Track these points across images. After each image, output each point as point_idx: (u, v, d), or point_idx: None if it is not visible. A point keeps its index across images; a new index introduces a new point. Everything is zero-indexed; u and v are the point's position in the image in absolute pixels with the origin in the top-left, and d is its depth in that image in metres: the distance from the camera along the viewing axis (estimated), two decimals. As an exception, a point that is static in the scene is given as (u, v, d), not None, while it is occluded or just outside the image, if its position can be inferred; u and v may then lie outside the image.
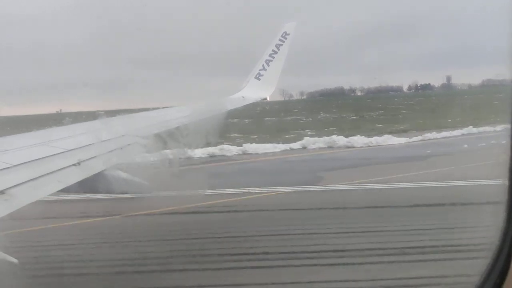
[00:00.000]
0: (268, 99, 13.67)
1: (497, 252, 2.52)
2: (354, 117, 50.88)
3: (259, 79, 13.05)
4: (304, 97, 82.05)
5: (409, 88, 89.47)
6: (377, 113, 56.43)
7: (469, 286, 2.78)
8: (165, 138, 8.18)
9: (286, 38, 13.31)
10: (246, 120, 45.76)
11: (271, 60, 13.15)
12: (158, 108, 11.14)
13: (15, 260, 4.09)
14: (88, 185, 6.31)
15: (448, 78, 77.50)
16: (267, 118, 51.82)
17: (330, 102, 71.50)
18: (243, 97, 12.47)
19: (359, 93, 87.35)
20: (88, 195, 11.27)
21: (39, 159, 5.40)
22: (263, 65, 13.15)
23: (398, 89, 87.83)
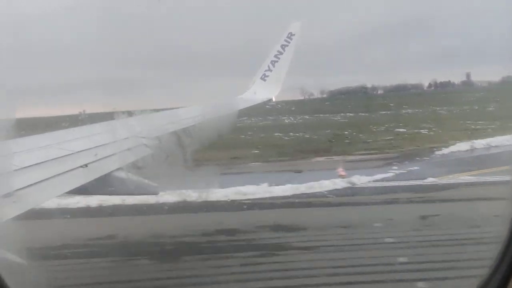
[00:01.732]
0: (274, 99, 13.68)
1: (503, 250, 2.50)
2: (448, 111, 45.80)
3: (264, 80, 13.07)
4: (325, 95, 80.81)
5: (429, 85, 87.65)
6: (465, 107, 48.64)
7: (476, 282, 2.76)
8: (180, 137, 8.25)
9: (291, 39, 13.30)
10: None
11: (277, 61, 13.16)
12: (169, 108, 11.24)
13: (23, 262, 4.12)
14: (97, 186, 6.33)
15: (468, 75, 76.16)
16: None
17: (371, 100, 66.89)
18: (254, 93, 12.56)
19: (380, 91, 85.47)
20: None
21: (48, 160, 5.43)
22: (268, 66, 13.17)
23: (417, 87, 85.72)
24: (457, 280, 7.62)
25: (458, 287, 7.46)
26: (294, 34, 13.36)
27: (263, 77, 13.09)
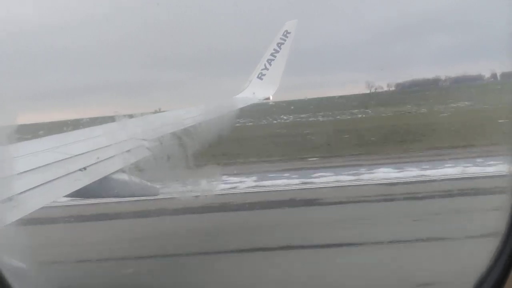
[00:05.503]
0: (271, 98, 13.68)
1: (501, 245, 2.50)
2: None
3: (261, 79, 13.09)
4: (393, 88, 79.87)
5: (491, 76, 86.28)
6: None
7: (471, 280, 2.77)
8: (180, 138, 8.26)
9: (287, 37, 13.33)
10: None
11: (273, 59, 13.17)
12: (170, 110, 11.27)
13: (22, 265, 4.12)
14: (97, 189, 6.32)
15: (529, 65, 75.61)
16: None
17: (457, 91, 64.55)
18: (253, 93, 12.59)
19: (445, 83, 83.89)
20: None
21: (46, 164, 5.43)
22: (265, 65, 13.18)
23: (479, 78, 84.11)
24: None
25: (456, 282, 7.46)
26: (290, 32, 13.38)
27: (260, 76, 13.11)
